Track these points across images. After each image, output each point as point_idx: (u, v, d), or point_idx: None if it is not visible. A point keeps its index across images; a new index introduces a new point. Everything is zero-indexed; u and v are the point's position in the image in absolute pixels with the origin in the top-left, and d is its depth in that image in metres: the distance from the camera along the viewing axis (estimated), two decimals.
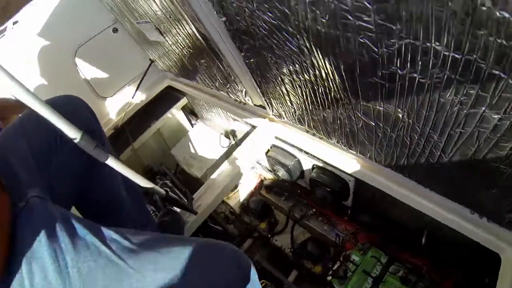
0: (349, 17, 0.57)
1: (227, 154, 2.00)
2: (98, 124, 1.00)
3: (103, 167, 0.83)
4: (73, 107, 0.92)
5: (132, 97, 1.95)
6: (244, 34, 0.89)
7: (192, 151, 2.24)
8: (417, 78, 0.59)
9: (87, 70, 1.77)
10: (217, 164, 2.01)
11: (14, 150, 0.76)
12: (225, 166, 1.39)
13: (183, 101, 2.15)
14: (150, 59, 1.89)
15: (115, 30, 1.80)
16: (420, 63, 0.56)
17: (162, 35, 1.38)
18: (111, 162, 0.81)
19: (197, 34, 1.11)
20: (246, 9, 0.77)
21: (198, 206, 1.26)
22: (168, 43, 1.43)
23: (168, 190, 1.08)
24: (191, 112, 2.38)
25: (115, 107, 1.96)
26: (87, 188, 0.93)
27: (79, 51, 1.69)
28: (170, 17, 1.15)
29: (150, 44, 1.66)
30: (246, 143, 1.43)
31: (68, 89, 1.71)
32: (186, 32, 1.18)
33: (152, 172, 2.24)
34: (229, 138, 2.05)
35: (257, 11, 0.75)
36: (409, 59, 0.57)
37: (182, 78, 1.87)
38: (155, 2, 1.13)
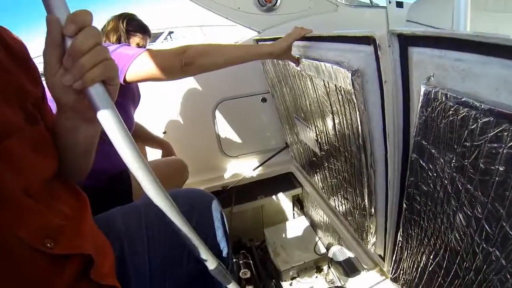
0: None
1: (318, 265, 1.74)
2: (226, 230, 0.88)
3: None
4: (205, 211, 0.84)
5: (254, 169, 1.91)
6: (417, 188, 0.68)
7: (285, 241, 2.03)
8: None
9: (222, 125, 1.82)
10: (303, 267, 1.76)
11: (131, 246, 0.70)
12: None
13: (297, 191, 2.02)
14: (286, 143, 1.83)
15: (264, 100, 1.82)
16: None
17: (318, 145, 1.26)
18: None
19: (363, 166, 0.93)
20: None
21: None
22: (316, 150, 1.31)
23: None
24: (299, 202, 2.22)
25: (233, 168, 1.95)
26: None
27: (222, 104, 1.75)
28: (339, 141, 1.01)
29: (293, 132, 1.59)
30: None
31: (198, 136, 1.88)
32: (345, 160, 1.03)
33: (240, 243, 2.11)
34: (327, 250, 1.76)
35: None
36: None
37: (307, 174, 1.74)
38: (334, 123, 1.01)
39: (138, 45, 1.33)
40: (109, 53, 0.44)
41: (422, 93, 0.58)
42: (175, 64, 0.92)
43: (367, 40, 0.70)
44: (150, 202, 0.49)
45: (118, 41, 1.28)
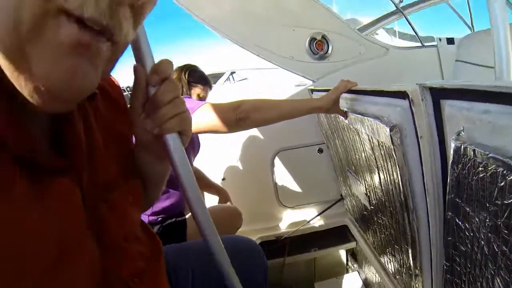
0: None
1: None
2: (266, 280, 0.90)
3: None
4: (249, 259, 0.87)
5: (309, 220, 1.90)
6: (455, 248, 0.65)
7: None
8: None
9: (280, 174, 1.88)
10: None
11: (177, 283, 0.75)
12: None
13: (351, 245, 1.92)
14: (341, 195, 1.81)
15: (320, 151, 1.85)
16: None
17: (368, 198, 1.25)
18: None
19: (406, 223, 0.90)
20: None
21: None
22: (366, 204, 1.29)
23: None
24: (353, 257, 2.08)
25: (288, 218, 1.95)
26: None
27: (280, 153, 1.83)
28: (387, 200, 1.00)
29: (347, 184, 1.58)
30: None
31: (255, 184, 1.94)
32: (391, 216, 1.01)
33: None
34: None
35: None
36: None
37: (360, 228, 1.68)
38: (379, 177, 1.00)
39: (198, 96, 1.45)
40: (186, 106, 0.50)
41: (452, 149, 0.58)
42: (231, 118, 1.01)
43: (402, 94, 0.72)
44: (201, 244, 0.54)
45: (181, 91, 1.41)
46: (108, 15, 0.31)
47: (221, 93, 2.05)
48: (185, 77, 1.43)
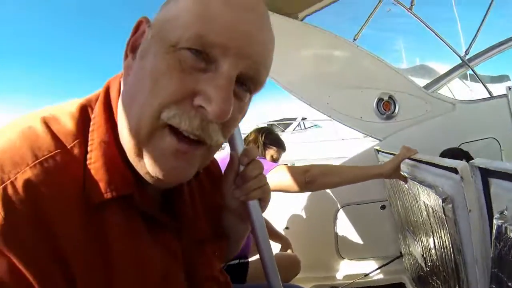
0: None
1: None
2: None
3: None
4: None
5: (366, 274, 1.87)
6: None
7: None
8: None
9: (342, 227, 1.93)
10: None
11: None
12: None
13: None
14: (400, 252, 1.79)
15: (383, 207, 1.87)
16: None
17: (424, 260, 1.27)
18: None
19: None
20: None
21: None
22: (423, 265, 1.30)
23: None
24: None
25: (345, 270, 1.96)
26: None
27: (344, 208, 1.89)
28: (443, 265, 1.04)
29: (406, 243, 1.59)
30: None
31: (317, 234, 2.01)
32: (444, 281, 1.04)
33: None
34: None
35: None
36: None
37: None
38: (434, 242, 1.05)
39: (272, 157, 1.58)
40: (267, 180, 0.61)
41: (495, 226, 0.64)
42: (300, 181, 1.13)
43: (454, 169, 0.80)
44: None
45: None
46: (200, 130, 0.39)
47: (292, 142, 2.22)
48: (261, 138, 1.55)
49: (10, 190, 0.33)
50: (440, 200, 0.84)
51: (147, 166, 0.40)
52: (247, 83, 0.43)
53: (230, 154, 0.59)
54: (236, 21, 0.39)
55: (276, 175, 1.18)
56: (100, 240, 0.38)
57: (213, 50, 0.38)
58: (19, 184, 0.34)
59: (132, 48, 0.44)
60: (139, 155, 0.41)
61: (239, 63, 0.39)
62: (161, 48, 0.39)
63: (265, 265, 0.63)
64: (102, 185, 0.39)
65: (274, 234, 1.79)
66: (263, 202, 0.61)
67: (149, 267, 0.44)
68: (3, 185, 0.33)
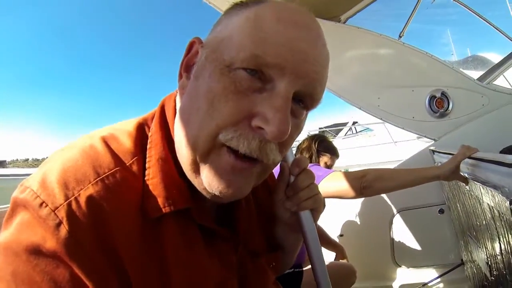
0: None
1: None
2: None
3: None
4: None
5: (426, 283, 1.77)
6: None
7: None
8: None
9: (398, 234, 1.84)
10: None
11: None
12: None
13: None
14: (462, 260, 1.67)
15: (441, 211, 1.76)
16: None
17: (488, 268, 1.18)
18: None
19: None
20: None
21: None
22: (487, 274, 1.21)
23: None
24: None
25: (402, 279, 1.87)
26: None
27: (400, 213, 1.81)
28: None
29: (468, 250, 1.48)
30: None
31: (372, 241, 1.96)
32: None
33: None
34: None
35: None
36: None
37: None
38: (501, 248, 0.98)
39: (325, 164, 1.56)
40: (319, 190, 0.59)
41: None
42: (355, 186, 1.11)
43: None
44: None
45: (310, 158, 1.55)
46: (257, 151, 0.39)
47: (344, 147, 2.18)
48: (314, 146, 1.56)
49: (74, 205, 0.35)
50: (508, 202, 0.78)
51: (204, 183, 0.41)
52: (304, 100, 0.43)
53: (281, 164, 0.58)
54: (291, 40, 0.38)
55: (332, 182, 1.16)
56: (157, 251, 0.40)
57: (269, 70, 0.38)
58: (82, 200, 0.36)
59: (186, 68, 0.46)
60: (196, 171, 0.41)
61: (295, 82, 0.39)
62: (216, 69, 0.39)
63: (317, 278, 0.61)
64: (160, 200, 0.41)
65: (328, 243, 1.76)
66: (316, 212, 0.60)
67: (205, 278, 0.45)
68: (68, 201, 0.35)
